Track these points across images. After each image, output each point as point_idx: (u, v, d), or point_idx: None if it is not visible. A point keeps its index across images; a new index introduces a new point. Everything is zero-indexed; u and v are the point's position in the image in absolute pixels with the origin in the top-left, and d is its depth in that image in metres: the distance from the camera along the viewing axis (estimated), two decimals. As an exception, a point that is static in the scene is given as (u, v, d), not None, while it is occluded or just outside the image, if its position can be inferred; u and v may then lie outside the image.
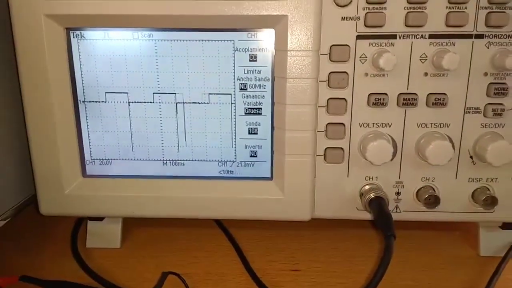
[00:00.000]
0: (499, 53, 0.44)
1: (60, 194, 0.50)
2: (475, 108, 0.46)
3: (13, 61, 0.47)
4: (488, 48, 0.45)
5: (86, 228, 0.54)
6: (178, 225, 0.57)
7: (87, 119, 0.50)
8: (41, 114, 0.48)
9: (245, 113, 0.49)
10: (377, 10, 0.44)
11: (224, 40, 0.47)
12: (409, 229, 0.55)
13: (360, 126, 0.47)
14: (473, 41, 0.45)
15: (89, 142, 0.51)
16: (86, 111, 0.50)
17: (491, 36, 0.44)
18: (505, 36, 0.44)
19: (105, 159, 0.51)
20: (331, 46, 0.45)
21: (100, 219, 0.54)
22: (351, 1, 0.44)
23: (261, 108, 0.49)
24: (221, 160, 0.51)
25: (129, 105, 0.49)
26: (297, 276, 0.49)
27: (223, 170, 0.51)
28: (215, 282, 0.49)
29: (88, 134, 0.50)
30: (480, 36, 0.44)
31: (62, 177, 0.50)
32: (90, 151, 0.51)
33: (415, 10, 0.44)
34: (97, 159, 0.51)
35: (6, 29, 0.48)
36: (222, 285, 0.48)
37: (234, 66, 0.48)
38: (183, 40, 0.47)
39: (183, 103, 0.49)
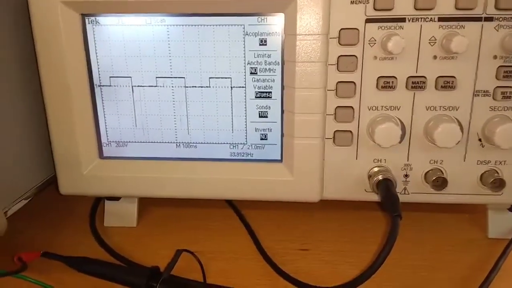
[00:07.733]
0: (509, 36, 0.44)
1: (78, 175, 0.52)
2: (484, 91, 0.46)
3: (31, 47, 0.49)
4: (497, 31, 0.44)
5: (104, 208, 0.56)
6: (192, 205, 0.58)
7: (103, 103, 0.51)
8: (59, 98, 0.50)
9: (256, 97, 0.50)
10: (386, -6, 0.44)
11: (235, 25, 0.47)
12: (420, 211, 0.56)
13: (369, 109, 0.48)
14: (482, 24, 0.44)
15: (106, 125, 0.52)
16: (102, 95, 0.51)
17: (500, 19, 0.44)
18: (515, 19, 0.44)
19: (121, 141, 0.53)
20: (340, 30, 0.45)
21: (116, 198, 0.55)
22: (360, -15, 0.44)
23: (271, 92, 0.49)
24: (232, 143, 0.52)
25: (143, 89, 0.50)
26: (306, 255, 0.51)
27: (234, 153, 0.52)
28: (227, 260, 0.50)
29: (105, 117, 0.52)
30: (489, 19, 0.44)
31: (80, 159, 0.52)
32: (107, 133, 0.53)
33: (424, -7, 0.44)
34: (113, 142, 0.53)
35: (24, 16, 0.49)
36: (233, 262, 0.50)
37: (244, 51, 0.48)
38: (195, 25, 0.48)
39: (195, 87, 0.50)
